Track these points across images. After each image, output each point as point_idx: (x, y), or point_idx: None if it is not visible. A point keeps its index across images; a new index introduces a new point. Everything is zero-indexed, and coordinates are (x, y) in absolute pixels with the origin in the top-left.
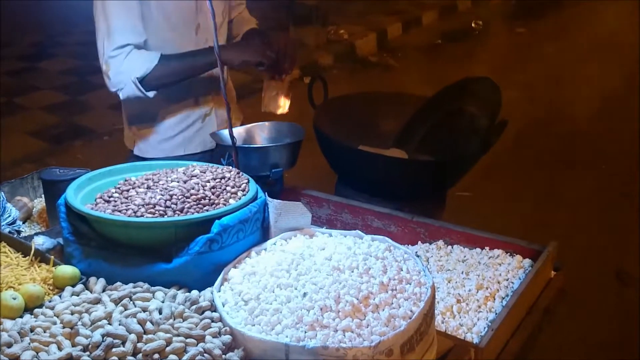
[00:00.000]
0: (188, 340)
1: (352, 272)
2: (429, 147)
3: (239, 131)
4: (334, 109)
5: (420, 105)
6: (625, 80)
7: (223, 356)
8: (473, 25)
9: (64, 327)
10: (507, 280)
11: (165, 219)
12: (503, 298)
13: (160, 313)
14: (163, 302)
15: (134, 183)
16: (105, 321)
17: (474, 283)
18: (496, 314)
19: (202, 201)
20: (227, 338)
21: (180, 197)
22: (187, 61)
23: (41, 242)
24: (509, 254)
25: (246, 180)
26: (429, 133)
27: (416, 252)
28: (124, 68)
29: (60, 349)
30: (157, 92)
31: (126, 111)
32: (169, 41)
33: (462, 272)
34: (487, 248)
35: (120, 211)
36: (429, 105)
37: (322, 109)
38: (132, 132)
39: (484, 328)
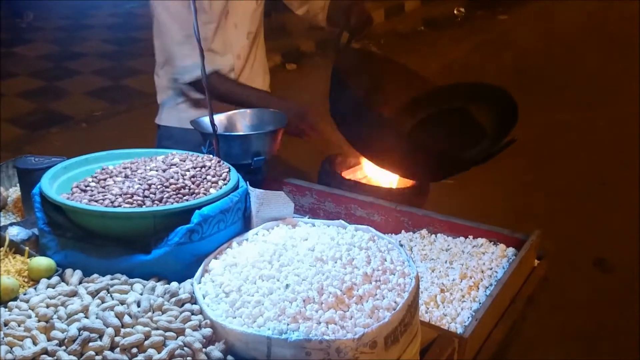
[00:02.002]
0: (167, 333)
1: (336, 262)
2: (421, 134)
3: (219, 118)
4: (351, 62)
5: (427, 90)
6: (606, 65)
7: (203, 350)
8: (455, 12)
9: (39, 321)
10: (491, 269)
11: (144, 209)
12: (487, 287)
13: (138, 306)
14: (141, 294)
15: (112, 172)
16: (81, 314)
17: (458, 272)
18: (480, 303)
19: (182, 191)
20: (207, 331)
21: (159, 186)
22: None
23: (15, 232)
24: (492, 242)
25: (227, 169)
26: (426, 120)
27: (400, 241)
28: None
29: (35, 343)
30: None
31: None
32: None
33: (446, 262)
34: (470, 237)
35: (97, 201)
36: (436, 93)
37: (342, 58)
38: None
39: (468, 318)
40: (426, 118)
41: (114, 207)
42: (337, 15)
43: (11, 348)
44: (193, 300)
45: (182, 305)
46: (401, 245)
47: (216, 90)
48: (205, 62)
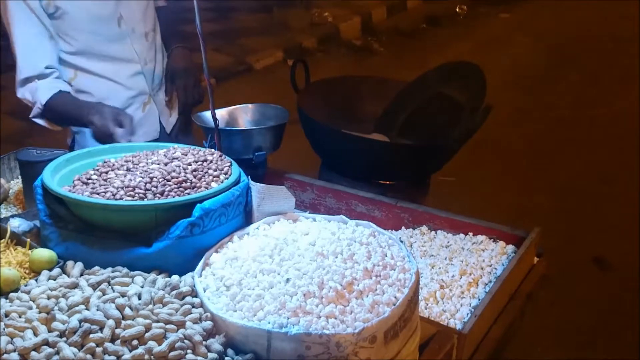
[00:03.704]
0: (168, 326)
1: (336, 257)
2: (411, 132)
3: (221, 113)
4: (318, 92)
5: (402, 89)
6: (608, 64)
7: (204, 342)
8: (457, 10)
9: (40, 312)
10: (491, 266)
11: (146, 202)
12: (486, 284)
13: (139, 298)
14: (142, 287)
15: (113, 165)
16: (82, 306)
17: (458, 269)
18: (479, 299)
19: (184, 184)
20: (208, 324)
21: (160, 179)
22: (71, 108)
23: (17, 224)
24: (492, 239)
25: (229, 164)
26: (411, 118)
27: (400, 238)
28: (31, 100)
29: (36, 334)
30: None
31: None
32: (92, 35)
33: (446, 258)
34: (470, 234)
35: (98, 194)
36: (410, 89)
37: (305, 91)
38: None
39: (467, 314)
40: (409, 115)
41: (116, 199)
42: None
43: (12, 339)
44: (194, 293)
45: (183, 298)
46: (401, 242)
47: (55, 112)
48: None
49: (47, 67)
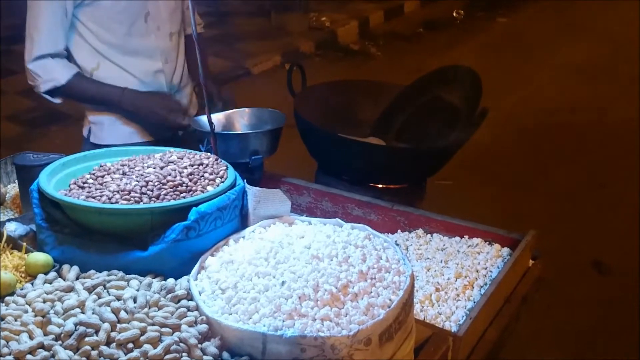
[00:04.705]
0: (163, 329)
1: (331, 260)
2: (407, 136)
3: (218, 117)
4: (314, 96)
5: (398, 93)
6: (606, 68)
7: (199, 346)
8: (454, 14)
9: (35, 316)
10: (486, 269)
11: (141, 205)
12: (482, 287)
13: (134, 302)
14: (138, 290)
15: (109, 169)
16: (78, 310)
17: (453, 271)
18: (475, 302)
19: (179, 188)
20: (203, 327)
21: (156, 183)
22: (94, 90)
23: (13, 228)
24: (487, 242)
25: (225, 167)
26: (407, 122)
27: (396, 241)
28: (42, 76)
29: (31, 337)
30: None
31: None
32: (119, 26)
33: (441, 261)
34: (466, 237)
35: (94, 197)
36: (406, 94)
37: (302, 96)
38: (87, 117)
39: (463, 316)
40: (405, 119)
41: (112, 203)
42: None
43: (7, 342)
44: (189, 296)
45: (179, 301)
46: (397, 245)
47: (76, 92)
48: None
49: (64, 49)
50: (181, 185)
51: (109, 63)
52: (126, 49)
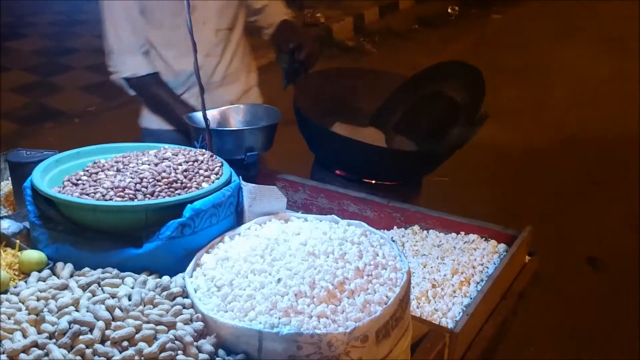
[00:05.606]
0: (158, 327)
1: (328, 257)
2: (407, 129)
3: (213, 114)
4: (313, 85)
5: (400, 84)
6: (601, 65)
7: (195, 343)
8: (449, 10)
9: (29, 314)
10: (482, 265)
11: (136, 202)
12: (478, 283)
13: (129, 299)
14: (133, 288)
15: (103, 166)
16: (72, 308)
17: (449, 268)
18: (471, 298)
19: (174, 184)
20: (199, 325)
21: (151, 180)
22: (163, 101)
23: (6, 226)
24: (484, 238)
25: (220, 164)
26: (407, 115)
27: (392, 237)
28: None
29: (25, 336)
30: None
31: None
32: (164, 23)
33: (438, 257)
34: (462, 233)
35: (88, 194)
36: (408, 85)
37: (301, 85)
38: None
39: (459, 313)
40: (405, 112)
41: (106, 200)
42: (284, 43)
43: (1, 341)
44: (184, 294)
45: (174, 299)
46: (393, 241)
47: (147, 92)
48: (146, 63)
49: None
50: (176, 182)
51: (155, 50)
52: (170, 41)
